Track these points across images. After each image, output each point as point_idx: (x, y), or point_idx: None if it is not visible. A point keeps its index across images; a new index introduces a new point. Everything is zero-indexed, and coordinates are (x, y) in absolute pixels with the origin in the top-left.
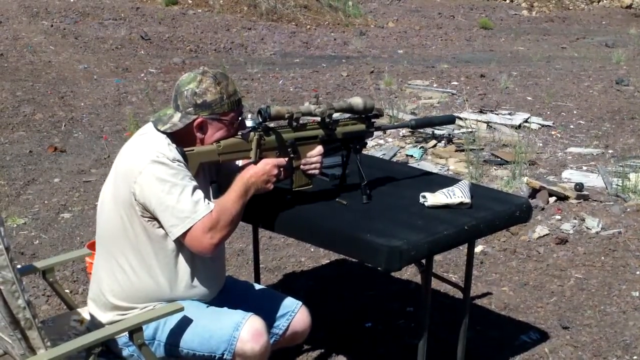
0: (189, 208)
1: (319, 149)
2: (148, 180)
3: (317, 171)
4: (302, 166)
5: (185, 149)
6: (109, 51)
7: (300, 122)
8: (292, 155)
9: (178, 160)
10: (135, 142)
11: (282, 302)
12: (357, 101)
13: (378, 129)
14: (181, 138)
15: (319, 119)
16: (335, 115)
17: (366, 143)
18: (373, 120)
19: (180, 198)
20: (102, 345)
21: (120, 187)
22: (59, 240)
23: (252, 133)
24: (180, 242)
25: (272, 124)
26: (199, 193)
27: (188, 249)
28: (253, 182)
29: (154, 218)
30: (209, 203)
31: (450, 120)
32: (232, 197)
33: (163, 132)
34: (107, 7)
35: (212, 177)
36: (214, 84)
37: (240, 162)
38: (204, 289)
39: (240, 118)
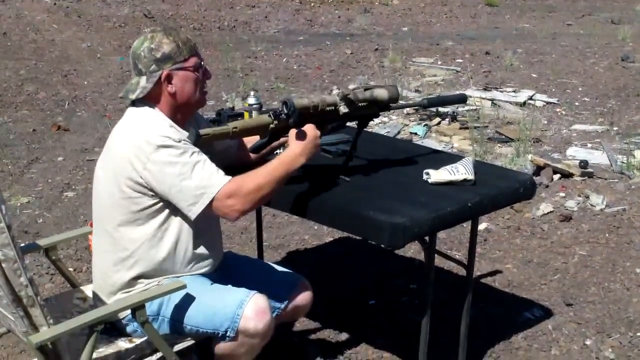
0: (203, 184)
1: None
2: (158, 166)
3: None
4: None
5: (201, 132)
6: (112, 29)
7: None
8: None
9: (184, 140)
10: (134, 127)
11: (284, 276)
12: (382, 95)
13: (389, 108)
14: (155, 100)
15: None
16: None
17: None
18: (391, 104)
19: (192, 176)
20: (104, 323)
21: (123, 171)
22: (62, 219)
23: (269, 118)
24: (179, 217)
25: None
26: (210, 167)
27: (190, 226)
28: (300, 152)
29: (160, 199)
30: (224, 173)
31: (462, 99)
32: (271, 165)
33: (135, 100)
34: None
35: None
36: (166, 36)
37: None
38: (202, 262)
39: (202, 63)
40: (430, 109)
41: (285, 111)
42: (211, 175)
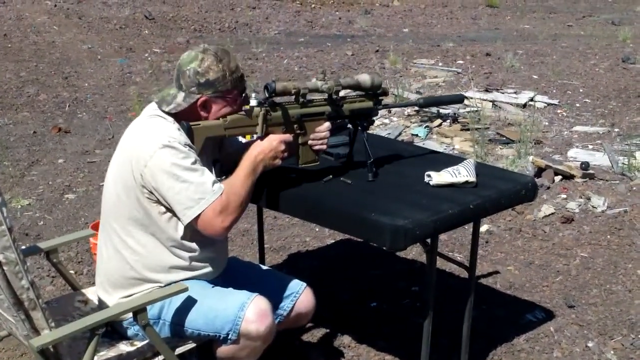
0: (201, 190)
1: (327, 125)
2: (159, 165)
3: (324, 147)
4: (309, 142)
5: (191, 123)
6: (112, 31)
7: (307, 98)
8: (298, 132)
9: (189, 145)
10: (144, 125)
11: (287, 283)
12: (364, 78)
13: (385, 106)
14: (185, 117)
15: (326, 95)
16: (343, 92)
17: (373, 121)
18: (381, 97)
19: (192, 181)
20: (106, 326)
21: (127, 169)
22: (63, 221)
23: (257, 108)
24: (189, 224)
25: (278, 100)
26: (210, 176)
27: (196, 230)
28: (261, 159)
29: (159, 202)
30: (220, 185)
31: (459, 99)
32: (241, 176)
33: (167, 113)
34: None
35: (215, 155)
36: (216, 62)
37: (243, 140)
38: (207, 268)
39: (243, 95)
40: (431, 110)
41: (267, 95)
42: (209, 185)
